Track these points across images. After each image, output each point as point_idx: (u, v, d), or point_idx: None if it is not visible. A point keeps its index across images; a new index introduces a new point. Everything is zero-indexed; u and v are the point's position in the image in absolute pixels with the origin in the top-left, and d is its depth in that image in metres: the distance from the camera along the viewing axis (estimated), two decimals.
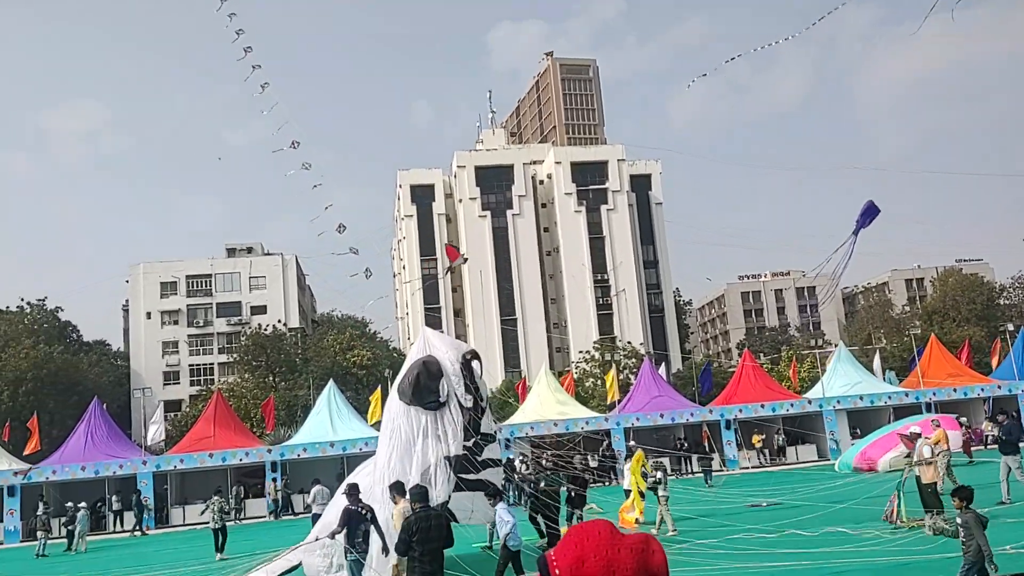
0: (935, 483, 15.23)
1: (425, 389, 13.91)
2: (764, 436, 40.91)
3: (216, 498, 22.57)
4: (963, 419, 34.76)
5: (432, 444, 13.56)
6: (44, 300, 74.58)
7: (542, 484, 16.98)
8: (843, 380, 43.14)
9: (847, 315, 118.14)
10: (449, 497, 13.45)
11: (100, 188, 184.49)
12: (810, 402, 41.49)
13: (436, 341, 15.56)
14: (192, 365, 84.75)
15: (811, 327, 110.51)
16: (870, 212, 11.79)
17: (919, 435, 16.89)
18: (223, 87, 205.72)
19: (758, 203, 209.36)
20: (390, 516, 12.08)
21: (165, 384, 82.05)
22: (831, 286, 11.86)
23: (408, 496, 10.24)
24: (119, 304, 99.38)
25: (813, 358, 65.01)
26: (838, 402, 40.75)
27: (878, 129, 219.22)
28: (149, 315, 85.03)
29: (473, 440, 14.08)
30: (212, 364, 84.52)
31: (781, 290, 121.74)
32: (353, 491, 12.21)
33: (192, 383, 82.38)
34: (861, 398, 40.80)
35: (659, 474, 18.80)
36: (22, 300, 73.88)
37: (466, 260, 40.02)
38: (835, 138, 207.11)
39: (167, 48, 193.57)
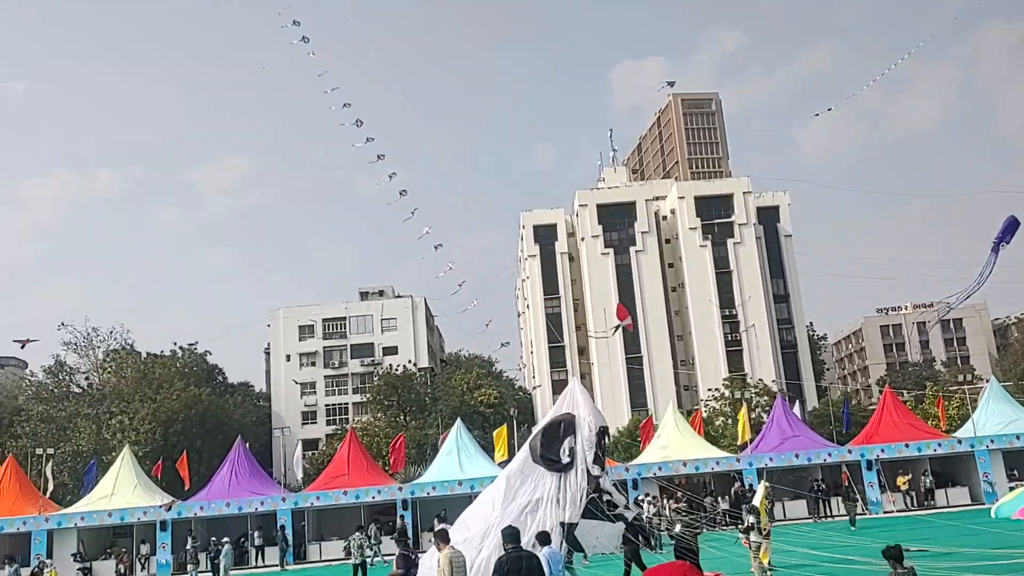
0: None
1: (551, 450, 13.87)
2: (910, 477, 38.64)
3: (357, 535, 23.35)
4: None
5: (551, 509, 13.49)
6: (194, 345, 79.46)
7: (677, 528, 16.60)
8: (997, 418, 40.35)
9: (999, 348, 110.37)
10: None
11: (244, 238, 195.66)
12: (960, 441, 38.96)
13: (581, 399, 15.22)
14: (328, 405, 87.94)
15: (959, 361, 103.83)
16: (1012, 227, 11.03)
17: None
18: (354, 137, 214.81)
19: (894, 233, 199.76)
20: (484, 558, 12.23)
21: (303, 424, 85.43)
22: (971, 289, 10.86)
23: (502, 537, 10.36)
24: (261, 347, 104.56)
25: (961, 395, 61.00)
26: (992, 441, 38.08)
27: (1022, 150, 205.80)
28: (288, 357, 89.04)
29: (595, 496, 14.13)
30: (347, 404, 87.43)
31: (924, 323, 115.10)
32: (402, 535, 12.56)
33: (328, 422, 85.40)
34: (1018, 437, 37.97)
35: (751, 518, 18.11)
36: (175, 344, 78.98)
37: (631, 325, 40.26)
38: (975, 162, 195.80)
39: (301, 106, 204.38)
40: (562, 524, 13.44)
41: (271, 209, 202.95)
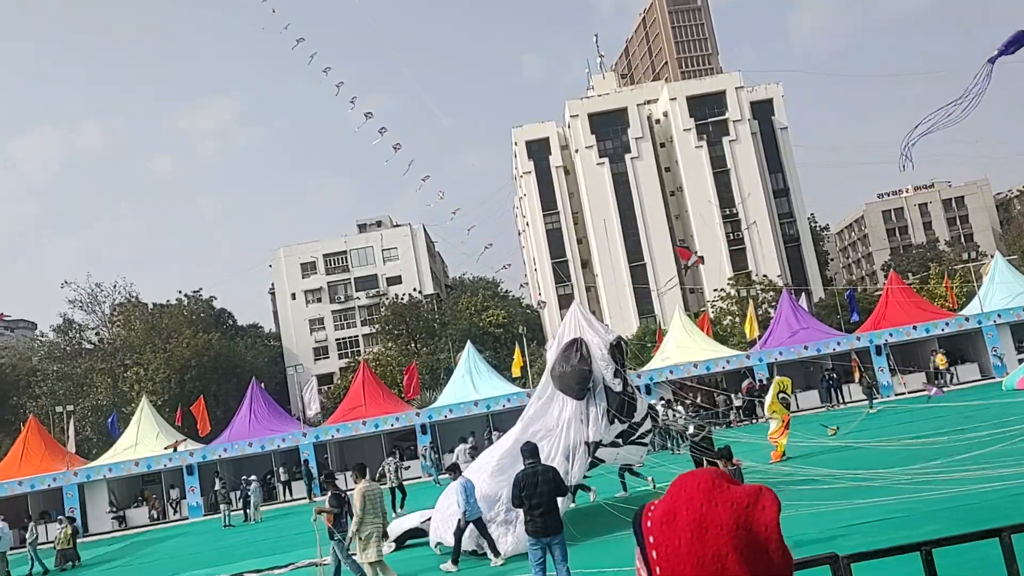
0: None
1: (577, 379, 14.00)
2: (945, 352, 38.33)
3: (391, 459, 23.93)
4: None
5: (575, 427, 13.70)
6: (199, 291, 79.61)
7: (691, 429, 16.83)
8: (1003, 292, 40.43)
9: (1002, 223, 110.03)
10: (585, 476, 13.91)
11: (238, 180, 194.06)
12: (967, 319, 39.11)
13: (584, 323, 15.32)
14: (339, 339, 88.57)
15: (962, 240, 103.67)
16: (1018, 39, 9.62)
17: None
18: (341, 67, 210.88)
19: (892, 116, 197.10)
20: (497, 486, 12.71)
21: (316, 359, 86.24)
22: (961, 107, 9.11)
23: (521, 454, 10.58)
24: (266, 288, 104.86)
25: (966, 272, 61.07)
26: (999, 316, 38.21)
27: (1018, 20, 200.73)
28: (294, 296, 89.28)
29: (628, 424, 14.34)
30: (357, 336, 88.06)
31: (926, 204, 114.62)
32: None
33: (340, 356, 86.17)
34: None
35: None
36: (180, 292, 79.13)
37: (702, 259, 40.28)
38: (969, 37, 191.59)
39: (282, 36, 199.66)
40: (587, 443, 13.59)
41: (262, 149, 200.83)
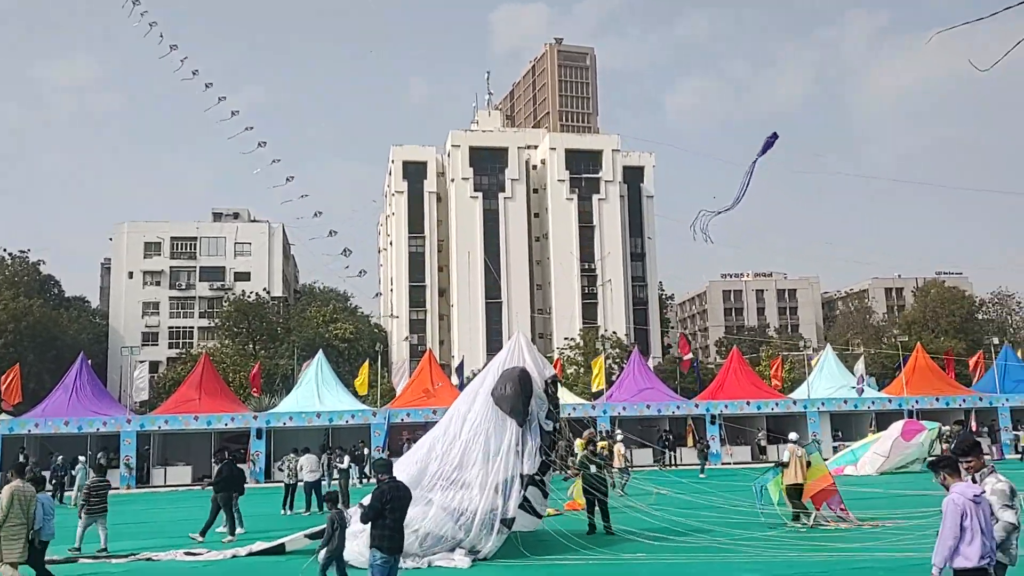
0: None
1: (523, 404, 13.69)
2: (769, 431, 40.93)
3: (292, 456, 23.32)
4: (950, 428, 35.30)
5: (513, 459, 13.39)
6: (27, 252, 73.60)
7: (592, 469, 16.63)
8: (828, 382, 43.63)
9: (826, 319, 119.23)
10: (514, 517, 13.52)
11: (88, 143, 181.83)
12: (795, 402, 41.89)
13: (527, 354, 14.84)
14: (172, 328, 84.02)
15: (790, 328, 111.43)
16: (771, 144, 11.81)
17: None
18: (220, 51, 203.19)
19: (744, 203, 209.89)
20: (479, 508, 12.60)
21: (144, 344, 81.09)
22: (728, 206, 11.97)
23: (374, 468, 10.39)
24: (100, 261, 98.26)
25: (795, 360, 65.60)
26: (822, 404, 41.19)
27: (872, 135, 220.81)
28: (131, 275, 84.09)
29: (546, 466, 14.15)
30: (192, 328, 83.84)
31: (763, 291, 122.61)
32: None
33: (171, 346, 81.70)
34: (846, 401, 41.27)
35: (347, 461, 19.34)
36: (3, 251, 72.81)
37: (695, 360, 41.64)
38: (829, 142, 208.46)
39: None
40: (521, 476, 13.37)
41: (120, 115, 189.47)
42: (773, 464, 19.42)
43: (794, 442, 17.84)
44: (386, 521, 9.23)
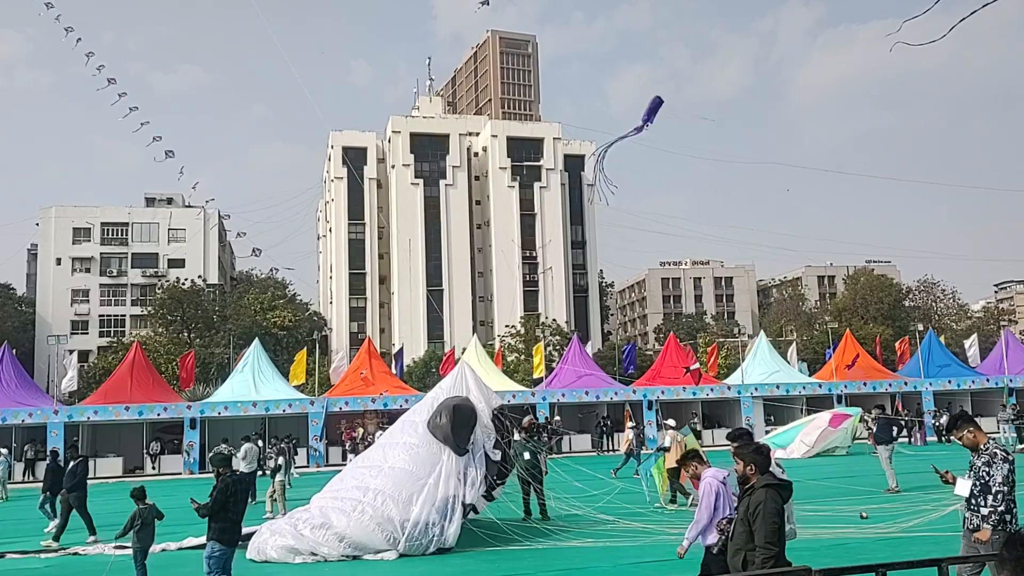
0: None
1: (460, 437, 13.61)
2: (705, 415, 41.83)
3: (250, 445, 22.69)
4: (871, 414, 36.45)
5: (453, 483, 13.31)
6: None
7: (526, 456, 16.69)
8: (762, 369, 44.65)
9: (760, 307, 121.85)
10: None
11: (15, 122, 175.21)
12: (729, 388, 42.79)
13: (472, 384, 14.79)
14: (103, 316, 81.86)
15: (726, 316, 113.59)
16: (656, 107, 11.93)
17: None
18: (148, 28, 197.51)
19: (683, 192, 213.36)
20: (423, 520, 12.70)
21: (73, 333, 78.89)
22: (605, 147, 11.82)
23: (212, 463, 10.54)
24: (25, 246, 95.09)
25: (731, 346, 66.97)
26: (756, 389, 42.15)
27: (804, 126, 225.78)
28: (59, 261, 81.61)
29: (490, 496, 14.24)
30: (124, 316, 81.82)
31: (700, 278, 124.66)
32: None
33: (102, 334, 79.60)
34: (778, 387, 42.31)
35: (280, 459, 19.62)
36: None
37: (694, 374, 41.54)
38: (765, 132, 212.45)
39: None
40: (463, 504, 13.34)
41: (47, 95, 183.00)
42: (656, 449, 20.00)
43: (673, 427, 18.99)
44: (228, 515, 9.52)
